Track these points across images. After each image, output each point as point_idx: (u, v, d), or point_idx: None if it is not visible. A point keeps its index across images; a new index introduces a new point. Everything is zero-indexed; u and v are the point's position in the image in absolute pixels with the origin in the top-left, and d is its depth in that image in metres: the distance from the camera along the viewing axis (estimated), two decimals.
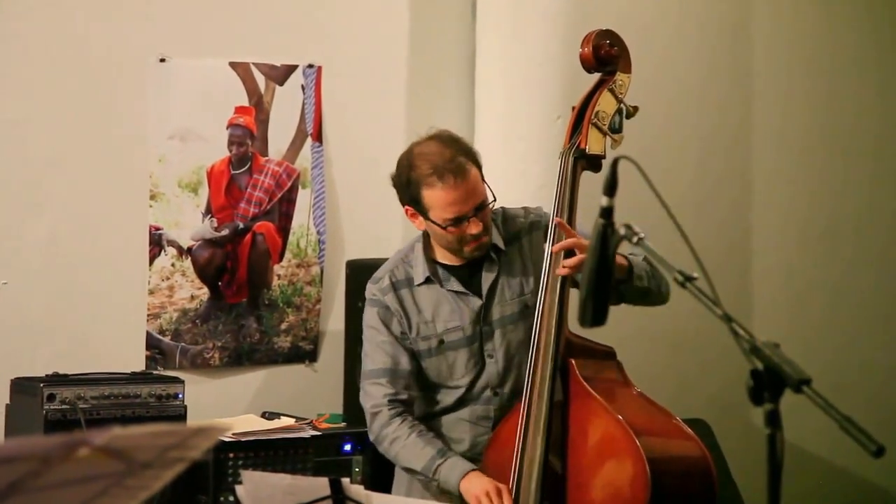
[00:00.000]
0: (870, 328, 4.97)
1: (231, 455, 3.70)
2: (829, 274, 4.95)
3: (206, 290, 4.18)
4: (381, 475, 3.56)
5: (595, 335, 3.01)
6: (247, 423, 3.89)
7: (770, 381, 1.79)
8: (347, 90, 4.37)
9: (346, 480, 2.54)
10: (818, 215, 4.93)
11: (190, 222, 4.15)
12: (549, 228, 3.09)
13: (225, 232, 4.21)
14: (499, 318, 3.15)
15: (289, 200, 4.29)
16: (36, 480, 1.42)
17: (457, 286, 3.16)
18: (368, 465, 3.81)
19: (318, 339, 4.37)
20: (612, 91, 3.14)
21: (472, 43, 4.45)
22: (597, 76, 3.20)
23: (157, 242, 4.11)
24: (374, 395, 3.17)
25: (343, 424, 3.97)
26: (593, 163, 3.12)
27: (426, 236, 3.22)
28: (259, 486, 2.56)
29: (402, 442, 3.11)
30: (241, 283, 4.24)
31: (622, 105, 3.14)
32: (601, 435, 2.94)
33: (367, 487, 3.00)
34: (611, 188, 2.10)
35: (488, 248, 3.15)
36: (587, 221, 2.96)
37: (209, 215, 4.18)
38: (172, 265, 4.13)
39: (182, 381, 3.87)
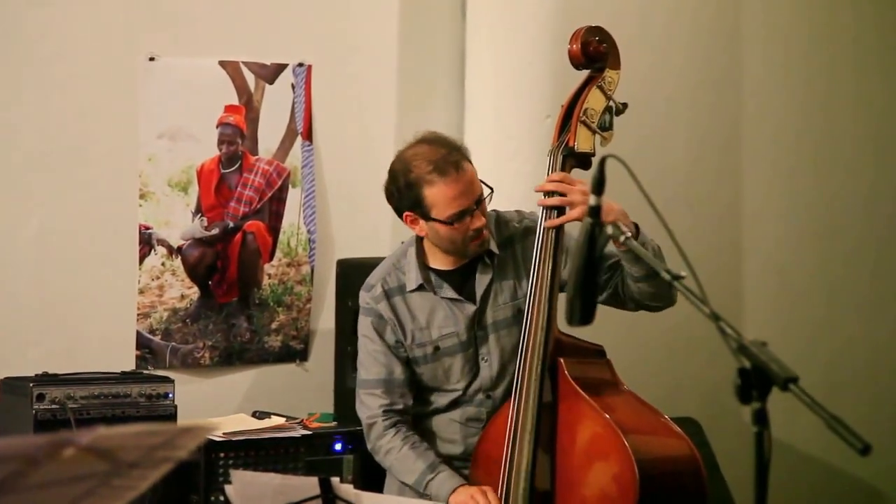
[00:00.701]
0: (863, 328, 4.98)
1: (222, 454, 3.70)
2: (822, 274, 4.95)
3: (196, 289, 4.18)
4: (371, 474, 3.56)
5: (586, 334, 3.02)
6: (237, 423, 3.89)
7: (757, 380, 1.79)
8: (337, 89, 4.36)
9: (335, 479, 2.54)
10: (810, 215, 4.93)
11: (180, 221, 4.14)
12: (538, 230, 3.08)
13: (215, 231, 4.20)
14: (492, 322, 3.15)
15: (279, 199, 4.29)
16: (22, 480, 1.41)
17: (450, 293, 3.16)
18: (359, 464, 3.81)
19: (308, 339, 4.37)
20: (600, 88, 3.12)
21: (462, 42, 4.45)
22: (585, 73, 3.18)
23: (146, 242, 4.10)
24: (370, 405, 3.18)
25: (334, 424, 3.96)
26: (582, 160, 3.11)
27: (419, 241, 3.21)
28: (249, 485, 2.56)
29: (395, 454, 3.13)
30: (231, 283, 4.23)
31: (611, 102, 3.12)
32: (589, 435, 2.94)
33: (357, 486, 3.00)
34: (598, 187, 2.10)
35: (488, 245, 3.14)
36: (573, 224, 2.96)
37: (199, 214, 4.17)
38: (162, 264, 4.13)
39: (172, 381, 3.86)
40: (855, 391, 4.81)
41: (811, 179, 4.94)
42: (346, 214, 4.40)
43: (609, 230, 2.08)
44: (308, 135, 4.33)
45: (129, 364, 4.04)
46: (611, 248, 2.98)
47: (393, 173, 3.13)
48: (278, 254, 4.30)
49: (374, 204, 4.42)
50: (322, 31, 4.34)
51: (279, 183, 4.29)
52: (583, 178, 3.14)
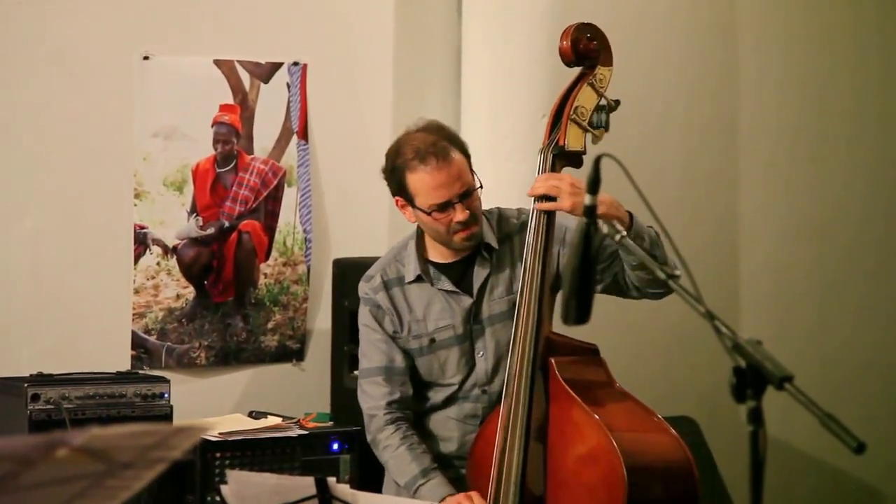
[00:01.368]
0: (858, 326, 4.98)
1: (218, 455, 3.69)
2: (818, 273, 4.95)
3: (191, 289, 4.17)
4: (368, 474, 3.56)
5: (583, 334, 3.01)
6: (233, 423, 3.88)
7: (752, 379, 1.79)
8: (333, 88, 4.36)
9: (332, 479, 2.53)
10: (806, 214, 4.93)
11: (175, 221, 4.14)
12: (529, 222, 3.06)
13: (210, 230, 4.20)
14: (488, 316, 3.15)
15: (275, 199, 4.28)
16: (15, 481, 1.41)
17: (448, 285, 3.16)
18: (356, 464, 3.81)
19: (304, 338, 4.36)
20: (592, 85, 3.09)
21: (458, 41, 4.45)
22: (577, 70, 3.15)
23: (142, 241, 4.10)
24: (371, 395, 3.17)
25: (330, 423, 3.96)
26: (573, 159, 3.08)
27: (420, 234, 3.21)
28: (244, 485, 2.55)
29: (391, 452, 3.13)
30: (227, 282, 4.23)
31: (603, 99, 3.10)
32: (579, 436, 2.94)
33: (354, 486, 3.00)
34: (593, 186, 2.09)
35: (479, 240, 3.13)
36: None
37: (194, 214, 4.17)
38: (158, 264, 4.12)
39: (168, 381, 3.85)
40: (850, 390, 4.81)
41: (807, 179, 4.94)
42: (342, 213, 4.39)
43: (605, 229, 2.07)
44: (304, 134, 4.33)
45: (124, 364, 4.04)
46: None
47: (386, 156, 3.15)
48: (274, 253, 4.30)
49: (370, 203, 4.43)
50: (317, 29, 4.34)
51: (275, 182, 4.28)
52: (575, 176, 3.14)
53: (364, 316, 3.21)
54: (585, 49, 3.09)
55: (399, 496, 3.18)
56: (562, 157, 3.07)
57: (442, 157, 3.04)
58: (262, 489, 2.52)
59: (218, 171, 4.20)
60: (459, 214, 3.05)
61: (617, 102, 3.11)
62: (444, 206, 3.05)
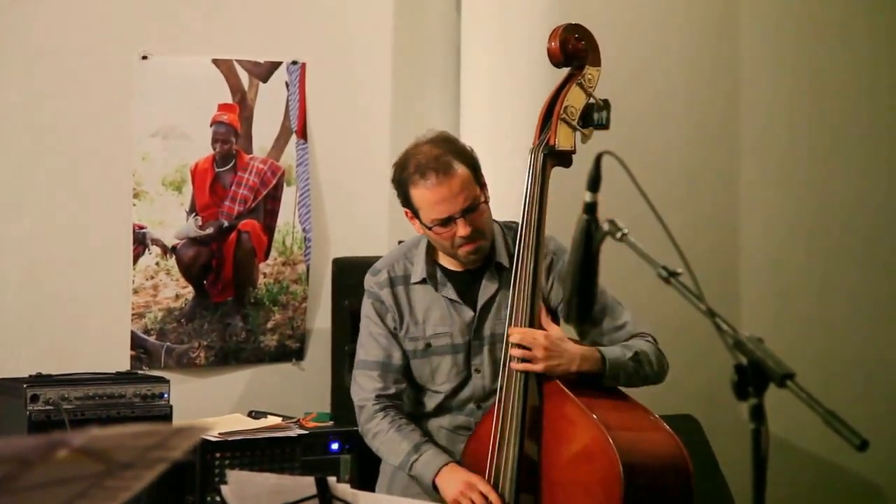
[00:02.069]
0: (857, 323, 4.98)
1: (218, 455, 3.69)
2: (816, 269, 4.95)
3: (191, 288, 4.17)
4: (368, 473, 3.55)
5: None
6: (233, 423, 3.88)
7: (754, 376, 1.79)
8: (332, 87, 4.35)
9: (332, 479, 2.53)
10: (805, 211, 4.93)
11: (174, 221, 4.13)
12: (518, 238, 3.05)
13: (210, 230, 4.19)
14: (490, 333, 3.13)
15: (274, 198, 4.28)
16: (15, 482, 1.41)
17: (452, 294, 3.14)
18: (356, 464, 3.80)
19: (304, 338, 4.36)
20: (580, 85, 3.12)
21: (457, 39, 4.44)
22: (565, 71, 3.17)
23: (141, 241, 4.09)
24: (363, 387, 3.17)
25: (330, 423, 3.96)
26: (563, 159, 3.10)
27: None
28: (244, 485, 2.55)
29: (381, 437, 3.12)
30: (226, 282, 4.22)
31: (592, 99, 3.12)
32: (574, 434, 2.94)
33: (354, 486, 2.99)
34: (594, 184, 2.09)
35: (486, 254, 3.10)
36: (567, 220, 2.94)
37: (193, 214, 4.16)
38: (157, 264, 4.12)
39: (167, 381, 3.85)
40: (850, 386, 4.81)
41: (806, 175, 4.93)
42: (341, 213, 4.39)
43: (605, 227, 2.07)
44: (303, 133, 4.32)
45: (123, 364, 4.03)
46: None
47: (393, 167, 3.15)
48: (273, 253, 4.29)
49: (369, 202, 4.43)
50: (316, 28, 4.34)
51: (274, 181, 4.28)
52: (564, 176, 3.14)
53: (367, 308, 3.21)
54: (574, 49, 3.12)
55: (393, 482, 3.19)
56: (552, 157, 3.08)
57: (443, 171, 3.02)
58: (262, 489, 2.52)
59: (217, 170, 4.19)
60: (462, 230, 3.03)
61: (605, 102, 3.13)
62: (446, 222, 3.04)
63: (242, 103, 4.21)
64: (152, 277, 4.11)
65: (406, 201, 3.09)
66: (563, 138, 3.08)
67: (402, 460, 3.08)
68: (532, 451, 2.97)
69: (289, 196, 4.30)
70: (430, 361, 3.16)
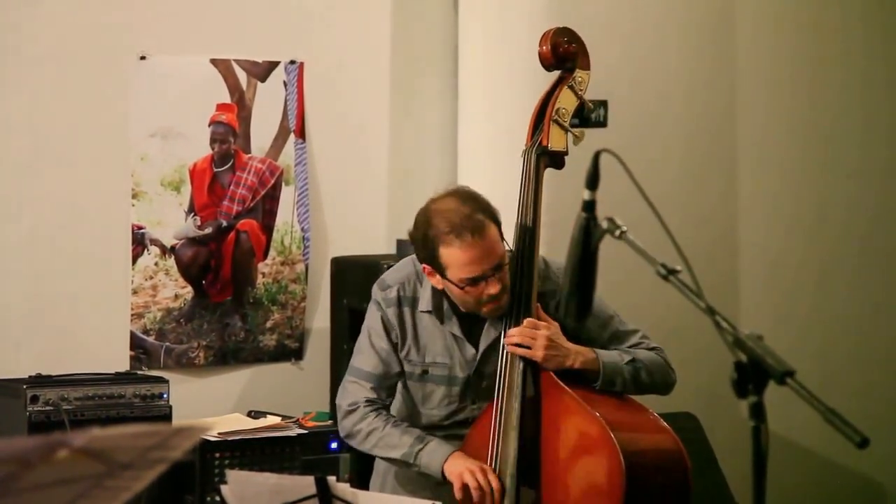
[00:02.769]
0: (857, 319, 4.97)
1: (217, 455, 3.69)
2: (816, 266, 4.95)
3: (190, 288, 4.17)
4: (368, 473, 3.55)
5: None
6: (233, 423, 3.88)
7: (754, 374, 1.79)
8: (330, 86, 4.35)
9: (332, 479, 2.53)
10: (804, 209, 4.93)
11: (173, 221, 4.13)
12: (514, 238, 3.04)
13: (208, 230, 4.19)
14: (491, 371, 3.09)
15: (272, 198, 4.28)
16: (15, 482, 1.41)
17: (456, 330, 3.11)
18: (356, 463, 3.80)
19: (303, 337, 4.36)
20: (571, 88, 3.15)
21: (455, 38, 4.44)
22: (556, 74, 3.20)
23: (139, 241, 4.09)
24: (353, 394, 3.15)
25: (330, 422, 3.95)
26: (556, 160, 3.12)
27: None
28: (244, 485, 2.55)
29: (378, 434, 3.09)
30: (225, 282, 4.22)
31: (582, 101, 3.15)
32: (575, 429, 2.94)
33: (354, 485, 2.99)
34: (593, 182, 2.09)
35: (502, 312, 3.06)
36: (564, 220, 2.94)
37: (192, 214, 4.16)
38: (156, 264, 4.11)
39: (167, 381, 3.85)
40: (850, 383, 4.81)
41: (804, 171, 4.93)
42: (339, 212, 4.39)
43: (604, 225, 2.07)
44: (301, 132, 4.32)
45: (123, 365, 4.03)
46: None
47: (416, 223, 3.06)
48: (272, 252, 4.29)
49: (367, 201, 4.43)
50: (314, 28, 4.33)
51: (272, 181, 4.28)
52: (556, 177, 3.15)
53: (373, 319, 3.16)
54: (565, 52, 3.15)
55: (386, 480, 3.18)
56: (545, 157, 3.08)
57: (477, 231, 2.96)
58: (262, 489, 2.52)
59: (215, 170, 4.19)
60: (492, 288, 2.99)
61: (596, 104, 3.16)
62: (476, 281, 2.99)
63: (240, 103, 4.21)
64: (151, 278, 4.11)
65: (430, 259, 3.02)
66: (555, 139, 3.10)
67: (406, 451, 3.05)
68: (532, 446, 2.97)
69: (287, 196, 4.30)
70: (424, 387, 3.15)
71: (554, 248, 3.22)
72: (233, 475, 2.57)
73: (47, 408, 3.63)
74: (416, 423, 3.16)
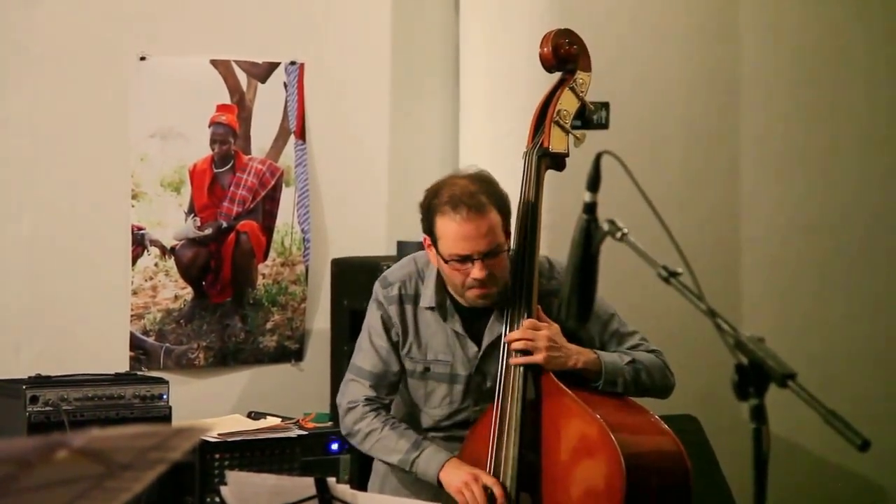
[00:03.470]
0: (857, 321, 4.97)
1: (217, 456, 3.69)
2: (818, 268, 4.94)
3: (190, 289, 4.16)
4: (368, 474, 3.55)
5: None
6: (233, 424, 3.88)
7: (755, 376, 1.78)
8: (330, 87, 4.35)
9: (331, 480, 2.53)
10: (806, 210, 4.93)
11: (173, 222, 4.13)
12: (515, 240, 3.04)
13: (208, 231, 4.19)
14: (493, 371, 3.08)
15: (272, 199, 4.28)
16: (15, 483, 1.40)
17: (458, 327, 3.11)
18: (356, 465, 3.80)
19: (303, 338, 4.36)
20: (573, 90, 3.15)
21: (456, 39, 4.44)
22: (557, 75, 3.20)
23: (139, 242, 4.09)
24: (353, 392, 3.15)
25: (330, 424, 3.95)
26: (557, 161, 3.12)
27: None
28: (244, 486, 2.55)
29: (376, 435, 3.09)
30: (225, 283, 4.22)
31: (584, 103, 3.14)
32: (576, 431, 2.94)
33: (354, 487, 2.99)
34: (594, 184, 2.09)
35: (494, 301, 3.06)
36: (565, 221, 2.95)
37: (192, 214, 4.16)
38: (156, 265, 4.11)
39: (167, 382, 3.85)
40: (851, 385, 4.81)
41: (806, 174, 4.93)
42: (340, 213, 4.38)
43: (605, 227, 2.07)
44: (301, 133, 4.32)
45: (122, 365, 4.03)
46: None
47: (425, 192, 3.09)
48: (272, 253, 4.29)
49: (368, 202, 4.43)
50: (314, 28, 4.33)
51: (272, 182, 4.27)
52: (557, 179, 3.15)
53: (373, 317, 3.16)
54: (566, 54, 3.15)
55: (385, 482, 3.17)
56: (546, 159, 3.08)
57: (475, 209, 2.97)
58: (262, 490, 2.51)
59: (215, 171, 4.19)
60: (476, 272, 2.98)
61: (597, 106, 3.15)
62: (464, 259, 2.99)
63: (241, 104, 4.21)
64: (151, 278, 4.11)
65: (429, 228, 3.04)
66: (556, 141, 3.10)
67: (402, 458, 3.06)
68: (531, 448, 2.97)
69: (287, 197, 4.29)
70: (425, 385, 3.14)
71: (555, 250, 3.22)
72: (232, 476, 2.56)
73: (47, 408, 3.63)
74: (417, 423, 3.15)
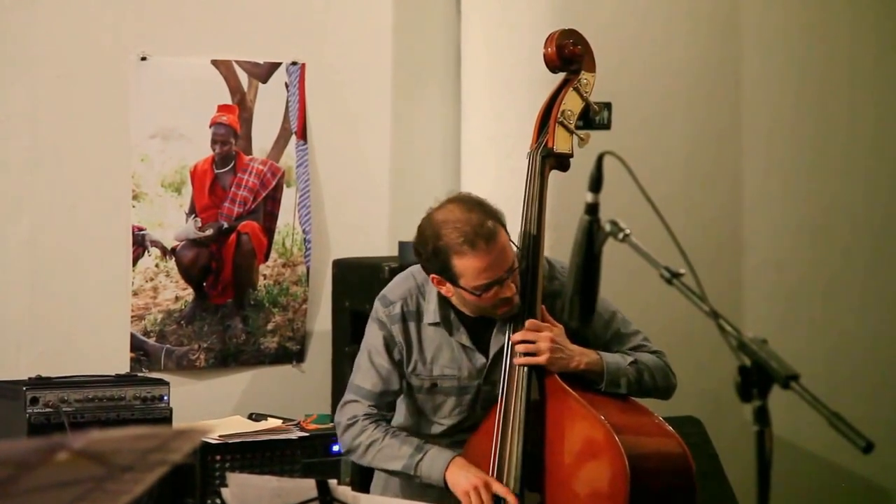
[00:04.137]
0: (861, 323, 4.97)
1: (218, 457, 3.68)
2: (821, 270, 4.94)
3: (190, 290, 4.16)
4: (370, 476, 3.54)
5: None
6: (233, 425, 3.87)
7: (758, 378, 1.78)
8: (332, 87, 4.34)
9: (333, 482, 2.52)
10: (809, 211, 4.93)
11: (173, 222, 4.12)
12: (519, 240, 3.04)
13: (209, 232, 4.18)
14: (500, 379, 3.07)
15: (273, 199, 4.27)
16: (15, 484, 1.40)
17: (465, 339, 3.09)
18: (357, 466, 3.79)
19: (304, 340, 4.35)
20: (577, 90, 3.14)
21: (458, 39, 4.43)
22: (561, 76, 3.18)
23: (140, 243, 4.08)
24: (352, 410, 3.12)
25: (331, 425, 3.94)
26: (561, 162, 3.11)
27: None
28: (245, 488, 2.54)
29: (377, 446, 3.07)
30: (226, 284, 4.21)
31: (588, 103, 3.14)
32: (580, 432, 2.94)
33: (355, 489, 2.98)
34: (596, 184, 2.08)
35: (515, 312, 3.05)
36: (568, 222, 2.94)
37: (193, 215, 4.15)
38: (156, 266, 4.11)
39: (167, 383, 3.84)
40: (855, 387, 4.80)
41: (809, 175, 4.93)
42: (341, 214, 4.38)
43: (607, 228, 2.06)
44: (302, 134, 4.31)
45: (123, 367, 4.02)
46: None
47: (422, 235, 3.01)
48: (273, 254, 4.28)
49: (369, 203, 4.42)
50: (316, 29, 4.33)
51: (273, 183, 4.27)
52: (560, 179, 3.14)
53: (374, 337, 3.12)
54: (571, 54, 3.14)
55: (388, 486, 3.16)
56: (550, 159, 3.08)
57: (490, 239, 2.94)
58: (263, 492, 2.51)
59: (216, 171, 4.18)
60: (507, 291, 2.97)
61: (601, 107, 3.14)
62: (491, 286, 2.96)
63: (242, 104, 4.20)
64: (152, 279, 4.10)
65: (441, 269, 2.98)
66: (560, 141, 3.09)
67: (406, 463, 3.04)
68: (535, 449, 2.97)
69: (288, 197, 4.29)
70: (433, 399, 3.13)
71: (558, 251, 3.21)
72: (233, 478, 2.56)
73: (47, 410, 3.62)
74: (425, 431, 3.14)
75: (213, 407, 4.11)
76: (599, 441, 2.89)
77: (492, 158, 4.23)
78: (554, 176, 3.13)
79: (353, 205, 4.39)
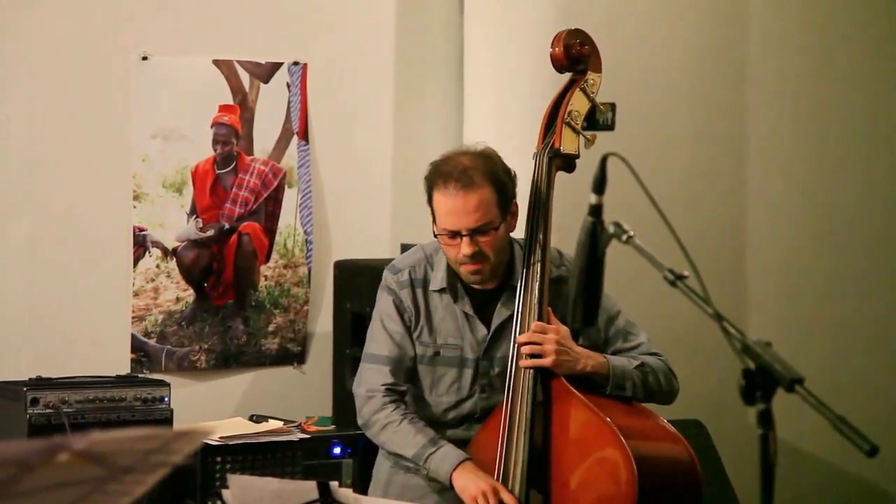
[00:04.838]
0: (865, 325, 4.95)
1: (219, 459, 3.68)
2: (824, 271, 4.93)
3: (191, 291, 4.15)
4: (370, 477, 3.54)
5: None
6: (234, 427, 3.86)
7: (762, 381, 1.77)
8: (333, 88, 4.34)
9: (334, 484, 2.52)
10: (812, 213, 4.92)
11: (175, 223, 4.12)
12: (525, 241, 3.04)
13: (210, 232, 4.18)
14: (501, 356, 3.10)
15: (275, 200, 4.27)
16: (15, 486, 1.40)
17: (468, 308, 3.12)
18: (358, 468, 3.79)
19: (306, 341, 4.34)
20: (583, 90, 3.14)
21: (460, 40, 4.43)
22: (567, 76, 3.18)
23: (141, 243, 4.08)
24: (371, 380, 3.14)
25: (332, 427, 3.94)
26: (568, 163, 3.11)
27: None
28: (246, 490, 2.54)
29: (393, 427, 3.08)
30: (227, 285, 4.21)
31: (594, 104, 3.13)
32: (587, 435, 2.93)
33: (356, 491, 2.98)
34: (600, 185, 2.08)
35: (498, 277, 3.09)
36: (572, 223, 2.93)
37: (194, 216, 4.15)
38: (157, 266, 4.10)
39: (168, 385, 3.83)
40: (859, 391, 4.79)
41: (813, 176, 4.92)
42: (343, 215, 4.37)
43: (611, 229, 2.05)
44: (304, 134, 4.31)
45: (124, 368, 4.02)
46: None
47: (430, 164, 3.13)
48: (275, 255, 4.28)
49: (371, 204, 4.42)
50: (317, 29, 4.32)
51: (275, 183, 4.26)
52: (563, 180, 3.13)
53: (385, 304, 3.16)
54: (578, 54, 3.14)
55: (389, 485, 3.16)
56: (557, 159, 3.08)
57: (463, 184, 3.00)
58: (264, 493, 2.50)
59: (217, 172, 4.17)
60: (465, 248, 3.01)
61: (607, 107, 3.14)
62: (453, 235, 3.02)
63: (243, 104, 4.20)
64: (153, 280, 4.10)
65: (429, 199, 3.08)
66: (567, 142, 3.09)
67: (417, 452, 3.04)
68: (541, 451, 2.96)
69: (290, 198, 4.28)
70: (434, 370, 3.14)
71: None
72: (234, 479, 2.56)
73: (48, 411, 3.61)
74: (424, 413, 3.15)
75: (213, 408, 4.11)
76: (606, 444, 2.88)
77: None
78: (557, 176, 3.12)
79: (355, 206, 4.39)
